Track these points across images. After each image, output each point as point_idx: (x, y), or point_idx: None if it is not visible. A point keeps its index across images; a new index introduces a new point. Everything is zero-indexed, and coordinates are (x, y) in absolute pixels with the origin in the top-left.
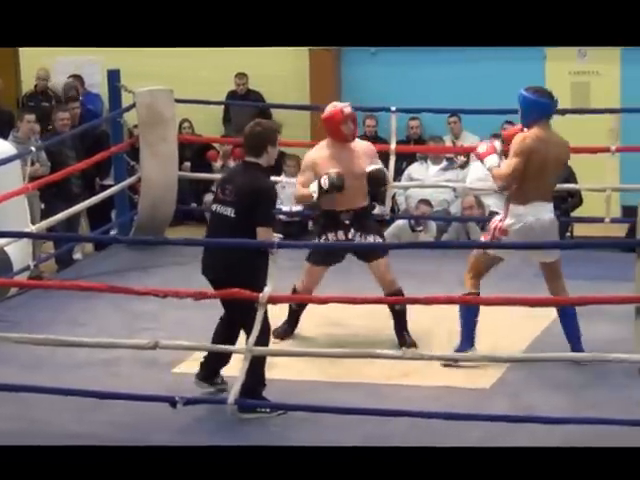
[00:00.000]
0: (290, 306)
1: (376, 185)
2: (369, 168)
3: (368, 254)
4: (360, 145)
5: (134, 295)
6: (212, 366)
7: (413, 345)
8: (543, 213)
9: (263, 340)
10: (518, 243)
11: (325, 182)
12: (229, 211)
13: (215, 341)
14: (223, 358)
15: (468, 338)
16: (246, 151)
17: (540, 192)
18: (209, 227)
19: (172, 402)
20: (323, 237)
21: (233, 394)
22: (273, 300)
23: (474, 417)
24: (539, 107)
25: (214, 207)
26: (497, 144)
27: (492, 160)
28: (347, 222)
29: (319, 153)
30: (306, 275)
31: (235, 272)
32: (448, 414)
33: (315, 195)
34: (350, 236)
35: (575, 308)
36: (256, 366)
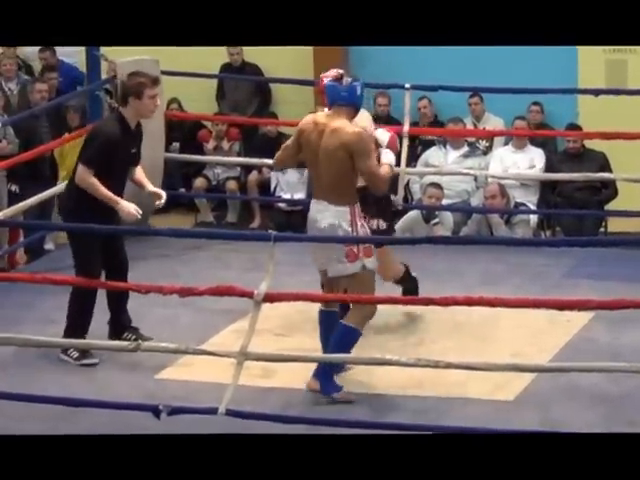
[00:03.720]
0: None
1: None
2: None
3: None
4: None
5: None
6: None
7: None
8: (322, 216)
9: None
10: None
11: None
12: None
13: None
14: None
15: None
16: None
17: (320, 188)
18: None
19: (155, 411)
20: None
21: (225, 402)
22: (270, 298)
23: (495, 432)
24: (326, 91)
25: None
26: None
27: None
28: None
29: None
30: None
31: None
32: (467, 428)
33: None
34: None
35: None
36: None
